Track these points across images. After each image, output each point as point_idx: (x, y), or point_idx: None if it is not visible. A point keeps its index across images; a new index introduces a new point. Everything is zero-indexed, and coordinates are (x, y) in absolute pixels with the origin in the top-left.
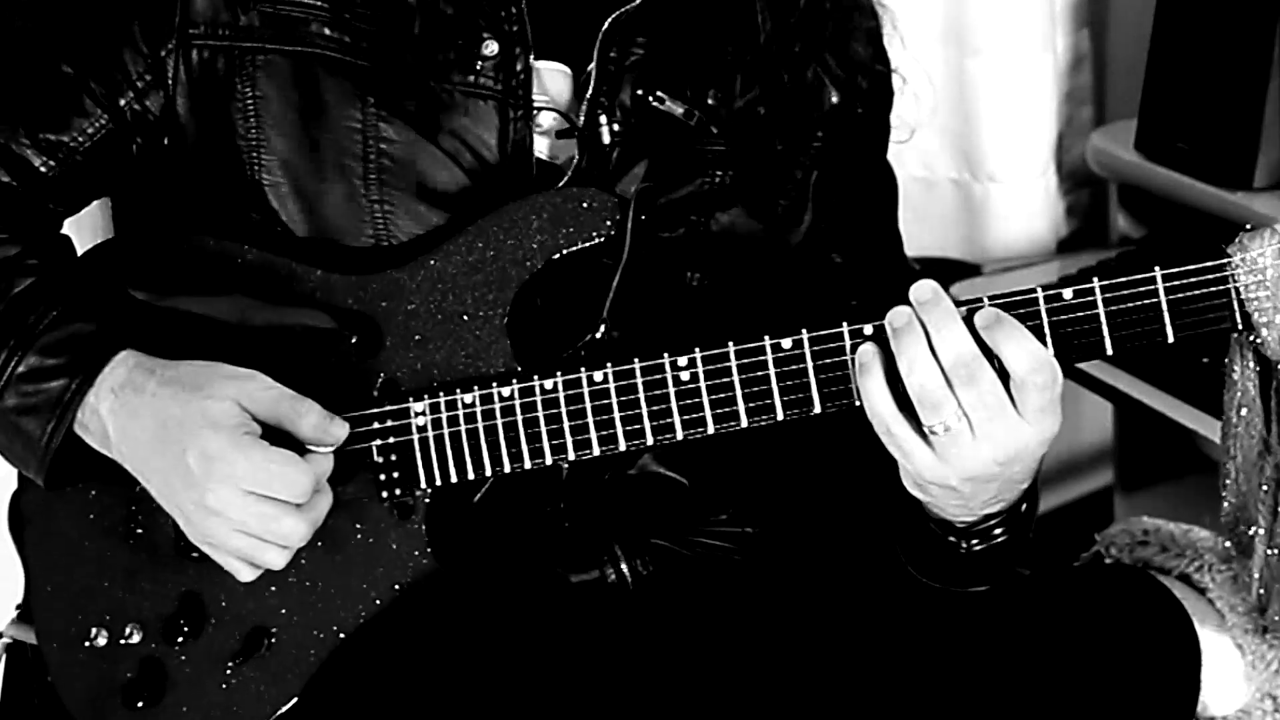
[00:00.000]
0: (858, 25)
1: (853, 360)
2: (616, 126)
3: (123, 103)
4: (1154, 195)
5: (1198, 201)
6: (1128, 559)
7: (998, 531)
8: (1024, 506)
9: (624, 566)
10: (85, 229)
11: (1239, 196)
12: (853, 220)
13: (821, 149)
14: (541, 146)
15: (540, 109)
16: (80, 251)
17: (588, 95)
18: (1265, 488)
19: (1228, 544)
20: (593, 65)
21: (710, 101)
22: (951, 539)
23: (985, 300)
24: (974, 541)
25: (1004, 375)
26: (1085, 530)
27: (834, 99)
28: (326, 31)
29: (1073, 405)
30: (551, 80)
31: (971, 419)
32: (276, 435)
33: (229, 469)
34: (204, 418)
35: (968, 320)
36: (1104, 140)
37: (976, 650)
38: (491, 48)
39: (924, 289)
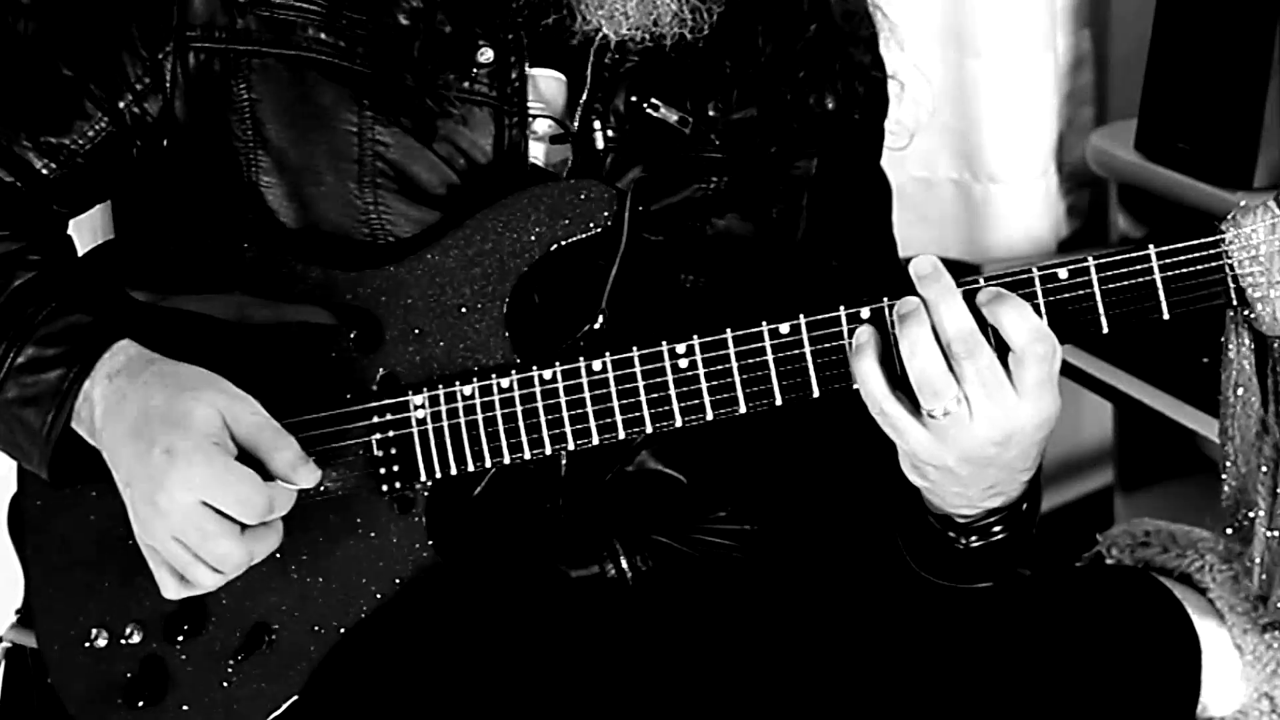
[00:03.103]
0: (856, 32)
1: (850, 344)
2: (611, 133)
3: (122, 105)
4: (1154, 195)
5: (1198, 201)
6: (1129, 559)
7: (997, 529)
8: (1025, 505)
9: (624, 562)
10: (85, 229)
11: (1239, 196)
12: (847, 226)
13: (818, 155)
14: (537, 152)
15: (535, 116)
16: (81, 253)
17: (582, 100)
18: (1264, 469)
19: (1230, 530)
20: (588, 70)
21: (711, 113)
22: (951, 534)
23: (982, 280)
24: (973, 538)
25: (1002, 352)
26: (1085, 530)
27: (830, 105)
28: (322, 36)
29: (1073, 405)
30: (547, 87)
31: (969, 395)
32: (248, 462)
33: (187, 472)
34: (183, 418)
35: (969, 299)
36: (1104, 140)
37: (977, 649)
38: (487, 55)
39: (924, 263)
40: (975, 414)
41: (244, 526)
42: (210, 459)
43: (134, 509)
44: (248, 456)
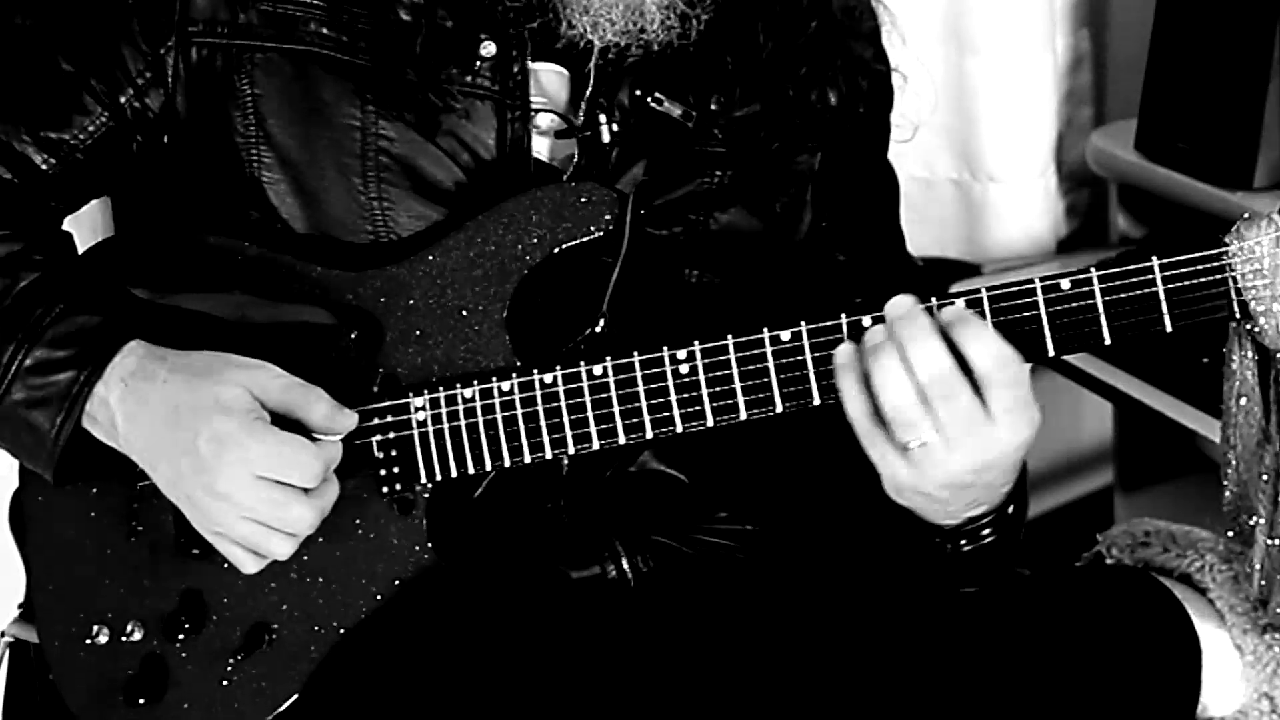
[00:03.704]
0: (858, 26)
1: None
2: (615, 127)
3: (123, 100)
4: (1154, 195)
5: (1198, 201)
6: (1129, 559)
7: (985, 532)
8: (1011, 509)
9: (624, 563)
10: (86, 227)
11: (1239, 196)
12: (855, 220)
13: (821, 150)
14: (541, 147)
15: (538, 110)
16: (81, 250)
17: (587, 94)
18: (1265, 477)
19: (1230, 534)
20: (592, 64)
21: (714, 107)
22: (938, 539)
23: (984, 291)
24: (962, 542)
25: (969, 371)
26: (1085, 530)
27: (834, 100)
28: (324, 31)
29: (1073, 405)
30: (549, 81)
31: (948, 435)
32: (284, 424)
33: (241, 453)
34: (215, 403)
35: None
36: (1104, 140)
37: (977, 650)
38: (489, 49)
39: (900, 304)
40: (953, 448)
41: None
42: (258, 435)
43: (191, 502)
44: (283, 420)
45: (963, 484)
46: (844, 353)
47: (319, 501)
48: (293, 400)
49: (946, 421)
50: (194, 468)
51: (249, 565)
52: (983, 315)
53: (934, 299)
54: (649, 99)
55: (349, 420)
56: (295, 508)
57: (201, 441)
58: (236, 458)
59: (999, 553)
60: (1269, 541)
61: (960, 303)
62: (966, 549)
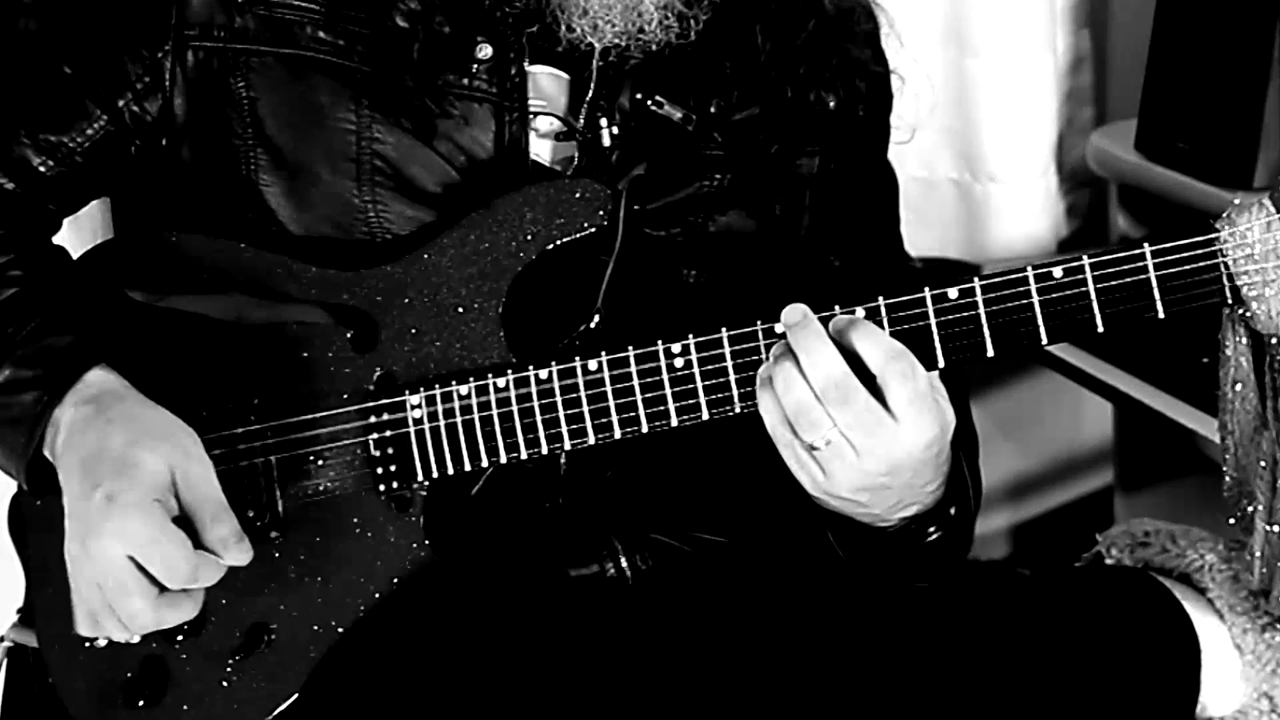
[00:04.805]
0: (856, 28)
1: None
2: (616, 130)
3: (121, 104)
4: (1154, 195)
5: (1198, 201)
6: (1129, 559)
7: (931, 530)
8: (953, 509)
9: (623, 561)
10: (86, 229)
11: (1239, 196)
12: (854, 221)
13: (820, 153)
14: (541, 150)
15: (537, 113)
16: (80, 253)
17: (588, 97)
18: (1263, 463)
19: (1232, 520)
20: (593, 67)
21: (713, 110)
22: (883, 542)
23: (977, 281)
24: (908, 543)
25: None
26: (1085, 530)
27: (832, 103)
28: (321, 35)
29: (1073, 405)
30: (547, 84)
31: (850, 438)
32: (186, 527)
33: (123, 524)
34: (133, 467)
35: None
36: (1104, 140)
37: (977, 648)
38: (486, 51)
39: (794, 312)
40: (860, 452)
41: (163, 589)
42: (148, 516)
43: (68, 543)
44: (186, 521)
45: (877, 486)
46: (765, 369)
47: (165, 611)
48: (205, 509)
49: (846, 425)
50: (81, 514)
51: (83, 626)
52: (976, 306)
53: (927, 289)
54: (649, 102)
55: (244, 556)
56: (136, 601)
57: (99, 495)
58: (116, 527)
59: (950, 552)
60: (1268, 528)
61: (860, 311)
62: (915, 546)
